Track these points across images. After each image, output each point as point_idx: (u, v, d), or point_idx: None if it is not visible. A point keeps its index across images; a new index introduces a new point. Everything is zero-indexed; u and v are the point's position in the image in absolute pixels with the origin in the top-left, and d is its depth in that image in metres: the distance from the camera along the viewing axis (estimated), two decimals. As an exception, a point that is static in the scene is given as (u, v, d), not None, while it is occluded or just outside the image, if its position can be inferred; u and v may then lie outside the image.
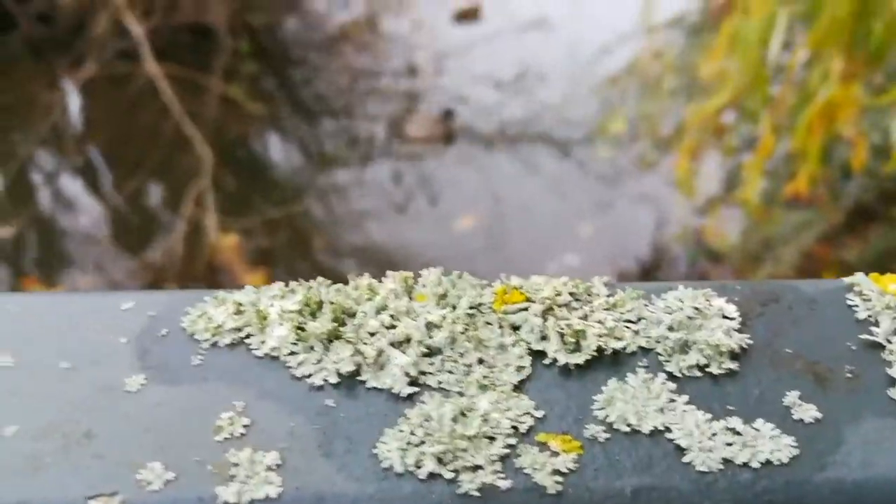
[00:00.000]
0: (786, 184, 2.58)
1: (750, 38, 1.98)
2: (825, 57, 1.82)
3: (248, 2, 3.79)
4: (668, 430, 0.42)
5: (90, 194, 3.71)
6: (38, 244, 3.44)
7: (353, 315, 0.48)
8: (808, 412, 0.42)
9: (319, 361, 0.45)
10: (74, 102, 4.10)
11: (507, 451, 0.41)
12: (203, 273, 3.16)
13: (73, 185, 3.74)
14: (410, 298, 0.49)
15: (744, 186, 2.81)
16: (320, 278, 0.49)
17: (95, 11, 3.69)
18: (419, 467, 0.40)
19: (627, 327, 0.47)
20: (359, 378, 0.45)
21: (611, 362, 0.46)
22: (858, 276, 0.49)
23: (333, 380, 0.45)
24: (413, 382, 0.45)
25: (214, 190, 3.32)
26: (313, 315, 0.47)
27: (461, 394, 0.44)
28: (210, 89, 3.59)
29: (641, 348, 0.46)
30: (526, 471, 0.41)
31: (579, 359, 0.45)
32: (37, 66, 3.76)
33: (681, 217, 3.30)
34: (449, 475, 0.40)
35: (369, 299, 0.48)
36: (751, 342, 0.46)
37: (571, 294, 0.49)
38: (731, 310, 0.47)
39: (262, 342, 0.47)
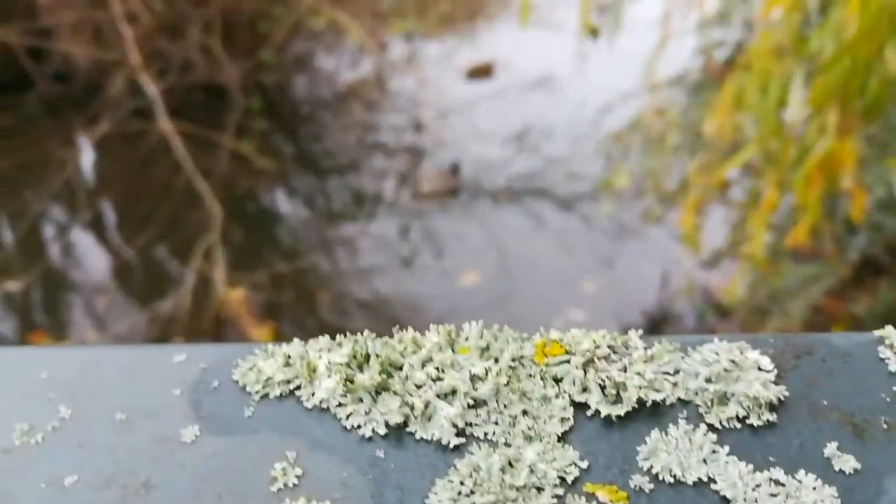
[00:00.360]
0: (791, 237, 2.61)
1: (769, 95, 2.02)
2: (822, 111, 1.86)
3: (260, 62, 3.90)
4: (712, 481, 0.43)
5: (100, 248, 3.74)
6: (47, 297, 3.46)
7: (399, 367, 0.49)
8: (847, 463, 0.43)
9: (368, 413, 0.47)
10: (88, 159, 4.18)
11: (555, 501, 0.42)
12: (210, 326, 3.17)
13: (83, 240, 3.78)
14: (454, 351, 0.50)
15: (749, 240, 2.83)
16: (367, 332, 0.51)
17: (112, 71, 3.79)
18: (471, 517, 0.41)
19: (666, 379, 0.48)
20: (407, 429, 0.46)
21: (651, 414, 0.47)
22: (889, 330, 0.50)
23: (382, 431, 0.46)
24: (460, 433, 0.46)
25: (223, 244, 3.36)
26: (361, 368, 0.49)
27: (507, 444, 0.45)
28: (221, 146, 3.66)
29: (680, 400, 0.47)
30: (576, 521, 0.41)
31: (621, 410, 0.47)
32: (52, 124, 3.84)
33: (687, 271, 3.31)
34: (500, 525, 0.41)
35: (414, 352, 0.50)
36: (787, 394, 0.47)
37: (610, 347, 0.50)
38: (766, 362, 0.49)
39: (312, 394, 0.48)
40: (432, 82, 4.12)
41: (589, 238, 3.68)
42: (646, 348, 0.50)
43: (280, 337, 3.28)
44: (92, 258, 3.65)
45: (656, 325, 3.23)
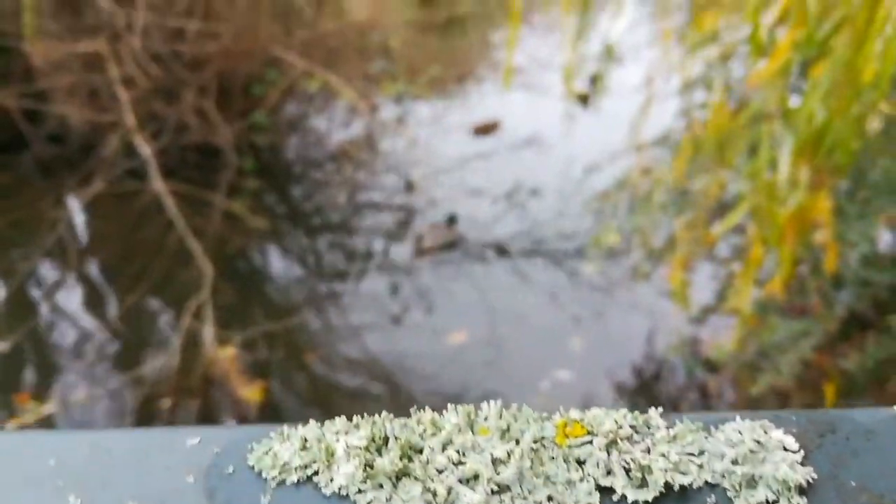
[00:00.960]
0: (764, 291, 2.62)
1: (758, 162, 2.06)
2: (795, 167, 1.89)
3: (254, 124, 3.93)
4: (747, 567, 0.42)
5: (89, 307, 3.69)
6: (33, 358, 3.39)
7: (419, 451, 0.48)
8: (880, 547, 0.42)
9: (389, 500, 0.45)
10: (80, 218, 4.16)
11: (586, 592, 0.41)
12: (198, 386, 3.11)
13: (72, 299, 3.73)
14: (474, 433, 0.49)
15: (736, 296, 2.84)
16: (385, 413, 0.50)
17: (106, 133, 3.81)
18: None
19: (691, 461, 0.47)
20: (430, 516, 0.45)
21: (679, 498, 0.45)
22: (910, 405, 0.50)
23: (404, 518, 0.44)
24: (484, 521, 0.44)
25: (213, 303, 3.32)
26: (380, 451, 0.47)
27: (534, 532, 0.44)
28: (214, 205, 3.66)
29: (708, 483, 0.46)
30: None
31: (648, 495, 0.45)
32: (46, 184, 3.83)
33: (676, 327, 3.31)
34: None
35: (434, 434, 0.48)
36: (815, 476, 0.46)
37: (632, 427, 0.49)
38: (791, 442, 0.48)
39: (331, 479, 0.46)
40: (422, 142, 4.17)
41: (578, 295, 3.68)
42: (668, 427, 0.49)
43: (269, 396, 3.22)
44: (80, 317, 3.60)
45: (646, 382, 3.21)
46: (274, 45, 4.14)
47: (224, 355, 3.26)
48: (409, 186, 4.49)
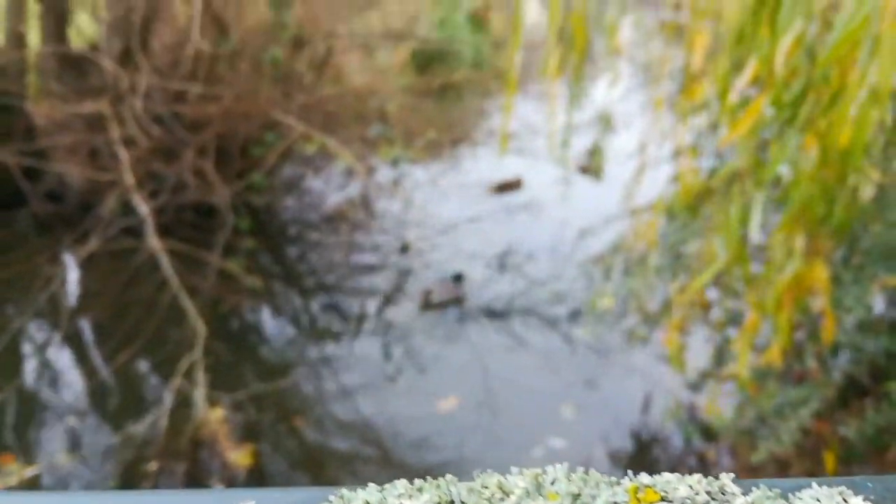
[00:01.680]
0: (764, 358, 2.61)
1: (730, 221, 2.07)
2: (790, 235, 1.90)
3: (251, 184, 3.95)
4: None
5: (78, 366, 3.60)
6: (19, 417, 3.28)
7: (489, 517, 0.45)
8: None
9: (460, 570, 0.42)
10: (74, 275, 4.10)
11: None
12: (187, 448, 3.02)
13: (62, 357, 3.64)
14: (543, 497, 0.46)
15: (734, 362, 2.82)
16: (449, 476, 0.47)
17: (104, 191, 3.80)
18: None
19: (773, 529, 0.45)
20: (502, 589, 0.42)
21: (764, 569, 0.43)
22: None
23: (476, 591, 0.41)
24: None
25: (205, 363, 3.26)
26: (446, 517, 0.45)
27: None
28: (209, 264, 3.63)
29: (791, 552, 0.44)
30: None
31: (731, 564, 0.43)
32: (42, 241, 3.79)
33: (673, 392, 3.28)
34: None
35: (502, 500, 0.46)
36: (900, 545, 0.44)
37: (707, 493, 0.46)
38: (872, 509, 0.45)
39: (395, 548, 0.43)
40: (417, 205, 4.19)
41: (572, 358, 3.64)
42: (744, 494, 0.47)
43: (259, 459, 3.13)
44: (69, 376, 3.51)
45: (643, 448, 3.15)
46: (273, 108, 4.20)
47: (213, 417, 3.18)
48: (405, 248, 4.49)
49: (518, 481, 0.47)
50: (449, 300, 4.07)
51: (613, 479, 0.48)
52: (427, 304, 4.02)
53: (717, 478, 0.49)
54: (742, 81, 1.29)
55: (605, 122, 2.37)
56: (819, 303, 2.28)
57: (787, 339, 2.31)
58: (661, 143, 3.42)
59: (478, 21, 10.07)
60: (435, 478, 0.47)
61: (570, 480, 0.47)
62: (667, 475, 0.48)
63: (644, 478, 0.48)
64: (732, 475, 0.49)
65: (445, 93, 6.15)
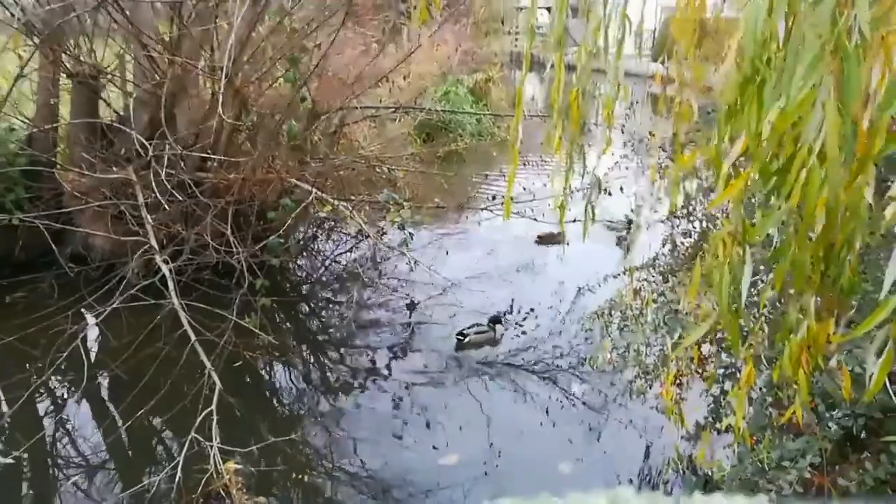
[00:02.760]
0: (778, 413, 2.54)
1: (721, 279, 2.03)
2: (801, 295, 1.87)
3: (267, 246, 3.94)
4: None
5: (96, 421, 3.51)
6: (36, 472, 3.18)
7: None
8: None
9: None
10: (96, 334, 4.04)
11: None
12: (201, 501, 2.92)
13: (81, 413, 3.55)
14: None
15: (732, 414, 2.76)
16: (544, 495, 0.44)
17: (128, 253, 3.79)
18: None
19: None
20: None
21: None
22: None
23: None
24: None
25: (219, 417, 3.18)
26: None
27: None
28: (225, 321, 3.58)
29: None
30: None
31: None
32: (65, 301, 3.76)
33: (672, 444, 3.19)
34: None
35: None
36: None
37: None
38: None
39: None
40: (425, 265, 4.17)
41: (573, 411, 3.57)
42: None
43: (271, 511, 3.02)
44: (86, 431, 3.43)
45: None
46: (289, 174, 4.23)
47: (227, 470, 3.09)
48: (412, 306, 4.46)
49: (600, 500, 0.44)
50: (483, 341, 4.11)
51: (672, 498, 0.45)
52: (461, 346, 4.06)
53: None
54: (734, 152, 1.30)
55: (600, 187, 2.37)
56: (832, 362, 2.24)
57: (807, 397, 2.25)
58: (653, 207, 3.43)
59: (478, 94, 10.29)
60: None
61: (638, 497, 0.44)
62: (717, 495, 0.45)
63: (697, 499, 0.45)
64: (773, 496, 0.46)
65: (449, 160, 6.22)
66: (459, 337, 4.08)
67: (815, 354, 1.84)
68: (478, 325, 4.12)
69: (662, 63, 2.59)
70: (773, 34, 1.04)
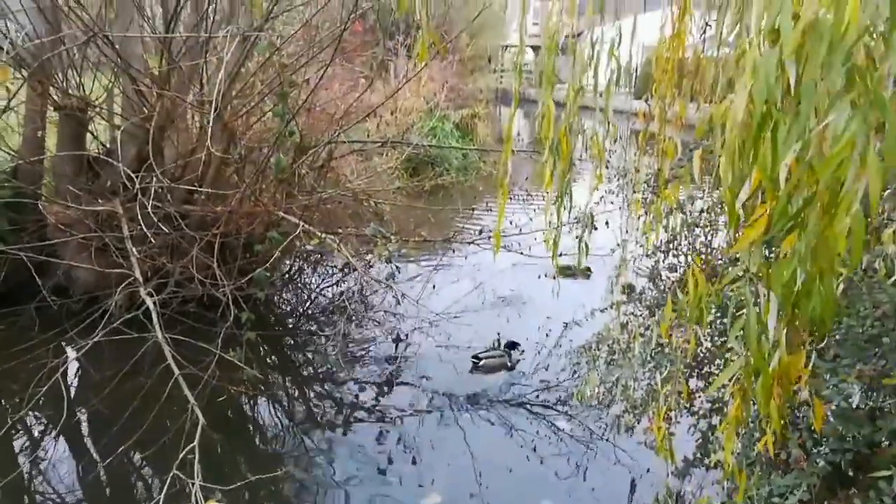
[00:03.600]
0: (762, 447, 2.53)
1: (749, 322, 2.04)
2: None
3: (253, 279, 3.90)
4: None
5: (75, 458, 3.41)
6: (12, 512, 3.08)
7: None
8: None
9: None
10: (77, 367, 3.96)
11: None
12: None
13: (59, 449, 3.45)
14: None
15: (720, 450, 2.74)
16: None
17: (111, 285, 3.73)
18: None
19: None
20: None
21: None
22: None
23: None
24: None
25: (201, 453, 3.11)
26: None
27: None
28: (209, 355, 3.52)
29: None
30: None
31: None
32: (47, 334, 3.69)
33: (659, 480, 3.16)
34: None
35: None
36: None
37: None
38: None
39: None
40: (411, 299, 4.15)
41: (560, 447, 3.53)
42: None
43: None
44: (64, 469, 3.33)
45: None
46: (276, 207, 4.22)
47: (208, 509, 3.00)
48: (398, 340, 4.42)
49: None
50: (497, 366, 4.14)
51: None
52: (476, 368, 4.11)
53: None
54: (744, 192, 1.31)
55: (592, 222, 2.39)
56: (803, 393, 2.24)
57: (779, 428, 2.24)
58: (638, 241, 3.45)
59: (464, 130, 10.41)
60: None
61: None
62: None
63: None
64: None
65: (435, 194, 6.25)
66: (474, 360, 4.12)
67: (787, 386, 1.83)
68: (493, 349, 4.16)
69: (646, 101, 2.63)
70: (786, 78, 1.05)
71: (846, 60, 0.97)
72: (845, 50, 0.96)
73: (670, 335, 2.65)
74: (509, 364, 4.14)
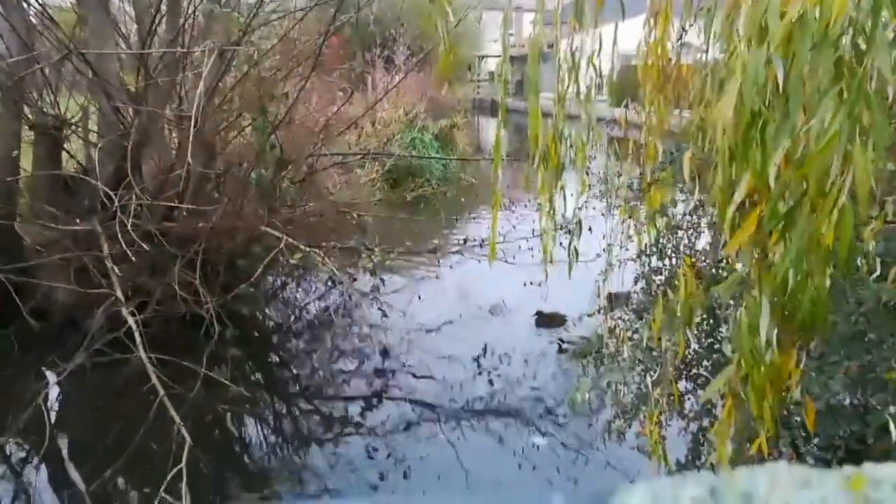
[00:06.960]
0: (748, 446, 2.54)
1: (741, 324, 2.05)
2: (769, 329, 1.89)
3: (236, 295, 3.86)
4: None
5: (59, 484, 3.34)
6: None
7: None
8: None
9: None
10: (59, 391, 3.88)
11: None
12: (168, 567, 2.77)
13: (42, 475, 3.37)
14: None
15: (714, 452, 2.75)
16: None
17: (92, 306, 3.67)
18: None
19: None
20: None
21: None
22: None
23: None
24: None
25: (188, 475, 3.05)
26: None
27: None
28: (194, 373, 3.48)
29: None
30: None
31: None
32: (27, 357, 3.61)
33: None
34: None
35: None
36: None
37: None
38: None
39: None
40: (397, 311, 4.13)
41: (552, 455, 3.52)
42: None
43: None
44: (47, 496, 3.26)
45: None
46: (258, 222, 4.18)
47: (196, 531, 2.95)
48: (385, 352, 4.40)
49: None
50: (556, 323, 4.57)
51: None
52: (540, 322, 4.64)
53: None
54: (738, 195, 1.32)
55: (580, 228, 2.40)
56: (795, 392, 2.25)
57: (773, 428, 2.25)
58: (623, 246, 3.46)
59: (444, 140, 10.44)
60: None
61: None
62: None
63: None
64: None
65: (418, 205, 6.24)
66: (537, 315, 4.62)
67: (778, 386, 1.85)
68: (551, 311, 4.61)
69: (626, 107, 2.65)
70: (774, 77, 1.06)
71: (833, 52, 0.98)
72: (832, 41, 0.98)
73: (659, 338, 2.66)
74: (564, 321, 4.55)
